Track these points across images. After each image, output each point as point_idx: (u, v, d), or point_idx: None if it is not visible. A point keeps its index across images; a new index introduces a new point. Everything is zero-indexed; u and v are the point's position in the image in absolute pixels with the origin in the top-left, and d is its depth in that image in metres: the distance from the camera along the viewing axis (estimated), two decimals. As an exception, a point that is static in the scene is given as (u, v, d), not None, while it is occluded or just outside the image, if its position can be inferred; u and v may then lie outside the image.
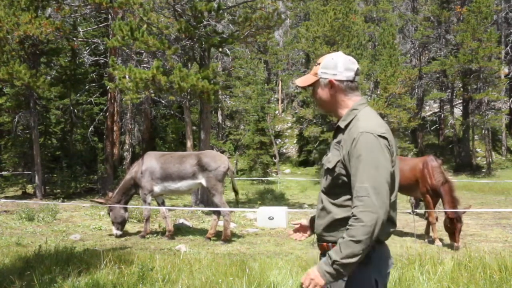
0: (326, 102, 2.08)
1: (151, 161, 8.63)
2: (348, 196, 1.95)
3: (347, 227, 1.85)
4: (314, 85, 2.08)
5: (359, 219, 1.81)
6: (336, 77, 2.03)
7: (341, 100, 2.05)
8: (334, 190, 1.99)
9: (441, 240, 7.87)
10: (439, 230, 8.00)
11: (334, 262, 1.84)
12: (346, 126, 1.99)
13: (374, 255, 1.95)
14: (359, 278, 1.93)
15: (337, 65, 2.03)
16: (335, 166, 1.97)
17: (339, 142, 2.00)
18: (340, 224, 1.96)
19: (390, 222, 1.99)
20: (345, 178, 1.95)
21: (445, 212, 7.32)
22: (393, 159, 1.93)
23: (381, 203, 1.81)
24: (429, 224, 8.16)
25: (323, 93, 2.06)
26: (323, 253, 2.08)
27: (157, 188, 8.59)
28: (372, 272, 1.94)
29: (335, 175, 1.97)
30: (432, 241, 7.88)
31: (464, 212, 7.34)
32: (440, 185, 7.51)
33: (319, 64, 2.07)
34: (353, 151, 1.88)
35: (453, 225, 7.12)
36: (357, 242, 1.80)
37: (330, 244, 2.01)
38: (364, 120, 1.95)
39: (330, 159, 2.01)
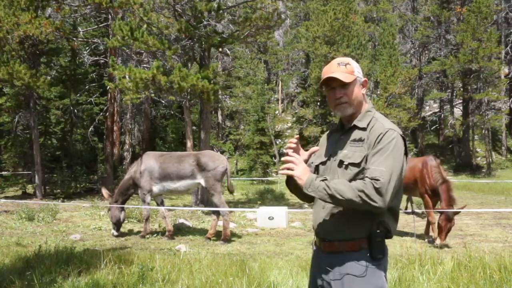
0: (358, 101, 2.12)
1: (150, 161, 8.63)
2: None
3: (358, 180, 1.92)
4: (352, 83, 2.10)
5: (365, 185, 1.86)
6: (365, 78, 2.17)
7: (364, 101, 2.16)
8: None
9: None
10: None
11: (325, 179, 1.93)
12: (367, 125, 2.07)
13: (386, 251, 2.03)
14: (374, 276, 1.96)
15: (360, 69, 2.18)
16: (361, 161, 2.01)
17: (359, 140, 2.05)
18: (355, 219, 1.98)
19: (397, 219, 2.07)
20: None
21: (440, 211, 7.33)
22: (406, 159, 2.05)
23: (389, 188, 1.87)
24: (429, 224, 8.16)
25: (358, 91, 2.11)
26: (330, 252, 2.04)
27: (155, 188, 8.59)
28: (382, 269, 2.00)
29: (360, 169, 2.00)
30: (432, 241, 7.88)
31: (457, 213, 7.33)
32: (438, 184, 7.52)
33: (347, 64, 2.10)
34: (378, 143, 1.98)
35: (443, 223, 7.13)
36: (352, 192, 1.86)
37: (342, 241, 2.00)
38: (384, 120, 2.08)
39: (350, 155, 2.04)
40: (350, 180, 2.01)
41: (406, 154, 2.03)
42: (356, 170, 2.01)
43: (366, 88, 2.16)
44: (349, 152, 2.05)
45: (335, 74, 2.07)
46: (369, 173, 1.90)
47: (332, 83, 2.09)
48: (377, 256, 1.96)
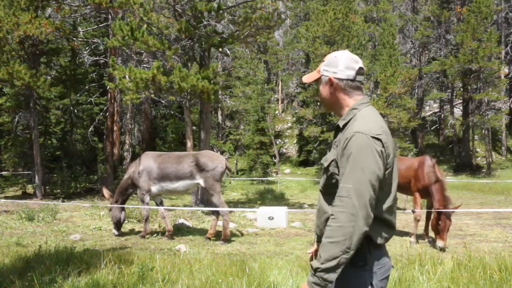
0: (326, 100, 2.08)
1: (148, 161, 8.63)
2: None
3: (326, 227, 1.82)
4: (317, 82, 2.09)
5: (336, 219, 1.77)
6: (335, 75, 2.00)
7: (342, 98, 2.03)
8: (329, 190, 1.97)
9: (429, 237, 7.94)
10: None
11: (316, 270, 1.79)
12: (345, 125, 1.97)
13: (370, 258, 1.92)
14: (354, 282, 1.90)
15: (338, 63, 2.01)
16: (329, 165, 1.96)
17: (336, 141, 1.99)
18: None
19: (387, 225, 1.96)
20: (338, 178, 1.91)
21: (434, 211, 7.30)
22: (388, 161, 1.89)
23: (362, 205, 1.76)
24: (428, 224, 8.15)
25: (323, 90, 2.06)
26: None
27: (154, 188, 8.59)
28: (367, 276, 1.91)
29: (329, 174, 1.96)
30: (432, 241, 7.87)
31: (453, 212, 7.30)
32: (431, 183, 7.50)
33: (323, 61, 2.09)
34: (344, 150, 1.86)
35: (443, 223, 7.10)
36: (335, 243, 1.75)
37: None
38: (361, 120, 1.91)
39: (327, 158, 2.00)
40: (325, 186, 1.99)
41: (385, 156, 1.86)
42: (325, 175, 1.98)
43: (337, 86, 2.00)
44: (328, 155, 2.01)
45: (306, 75, 2.15)
46: (338, 191, 1.82)
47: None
48: (357, 264, 1.89)
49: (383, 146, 1.86)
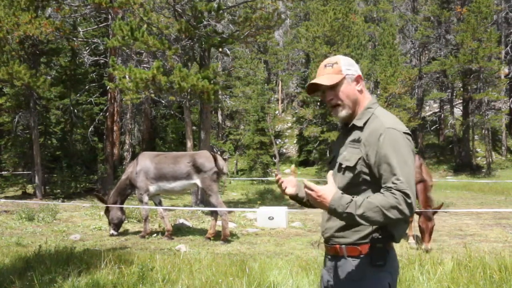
0: (352, 99, 2.03)
1: (145, 161, 8.65)
2: (366, 195, 1.88)
3: (383, 193, 1.80)
4: (339, 83, 2.02)
5: (400, 202, 1.75)
6: (358, 73, 2.05)
7: (363, 96, 2.06)
8: (352, 190, 1.93)
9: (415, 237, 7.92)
10: (439, 230, 7.98)
11: (352, 214, 1.76)
12: (364, 124, 1.98)
13: (388, 258, 1.94)
14: (373, 284, 1.91)
15: (353, 63, 2.08)
16: (356, 163, 1.93)
17: (356, 141, 1.97)
18: (355, 224, 1.90)
19: (405, 222, 1.98)
20: (366, 176, 1.92)
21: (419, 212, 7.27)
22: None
23: (413, 199, 1.79)
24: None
25: (350, 89, 2.02)
26: (333, 256, 2.03)
27: (152, 188, 8.60)
28: (385, 277, 1.93)
29: (356, 172, 1.94)
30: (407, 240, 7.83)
31: (435, 212, 7.24)
32: (416, 183, 7.42)
33: (335, 63, 2.03)
34: (381, 146, 1.87)
35: (423, 225, 7.05)
36: (382, 215, 1.75)
37: (343, 246, 1.96)
38: (386, 117, 1.96)
39: (348, 157, 1.97)
40: (348, 186, 1.95)
41: (413, 150, 1.94)
42: (351, 174, 1.95)
43: (361, 83, 2.05)
44: (348, 154, 1.98)
45: (318, 79, 2.03)
46: (393, 182, 1.79)
47: (321, 86, 2.04)
48: (377, 263, 1.90)
49: (411, 142, 1.96)
